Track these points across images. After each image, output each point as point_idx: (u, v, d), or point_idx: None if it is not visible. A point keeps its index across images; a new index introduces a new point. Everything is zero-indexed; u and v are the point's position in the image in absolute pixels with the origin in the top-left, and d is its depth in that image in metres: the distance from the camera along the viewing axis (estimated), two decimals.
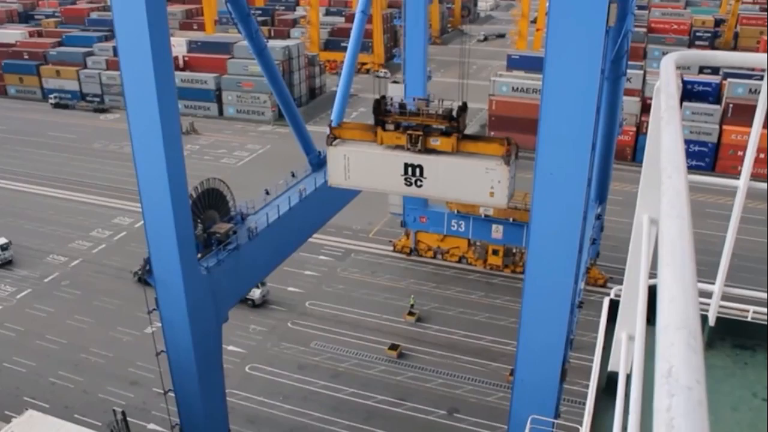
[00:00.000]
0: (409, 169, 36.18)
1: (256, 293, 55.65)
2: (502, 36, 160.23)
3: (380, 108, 35.53)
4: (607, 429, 5.68)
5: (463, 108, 35.36)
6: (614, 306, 7.10)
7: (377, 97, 35.86)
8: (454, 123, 34.42)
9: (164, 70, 27.73)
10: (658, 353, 1.93)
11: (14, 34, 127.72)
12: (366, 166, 37.21)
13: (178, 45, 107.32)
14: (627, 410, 4.27)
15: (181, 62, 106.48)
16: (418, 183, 36.61)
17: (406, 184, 36.79)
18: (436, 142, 35.02)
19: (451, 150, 34.51)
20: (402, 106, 35.65)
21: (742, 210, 5.42)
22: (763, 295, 5.92)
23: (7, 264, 63.05)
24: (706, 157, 78.71)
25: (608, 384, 6.57)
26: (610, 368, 6.57)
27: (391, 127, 35.53)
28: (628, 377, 4.82)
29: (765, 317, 6.61)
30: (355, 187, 40.40)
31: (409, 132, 35.04)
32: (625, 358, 5.31)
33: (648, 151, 4.79)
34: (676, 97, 3.59)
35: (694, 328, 1.95)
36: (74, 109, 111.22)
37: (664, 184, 2.68)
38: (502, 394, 45.39)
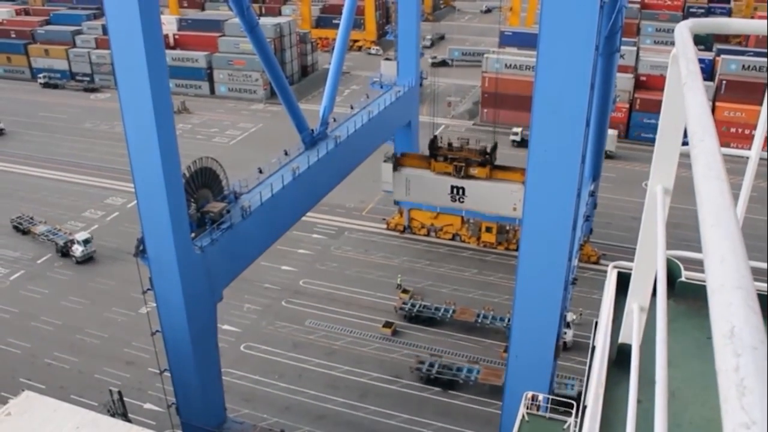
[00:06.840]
0: (454, 190, 51.00)
1: None
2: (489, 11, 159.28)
3: (434, 145, 51.40)
4: (618, 401, 5.72)
5: (494, 147, 50.87)
6: (622, 279, 7.14)
7: (431, 136, 54.75)
8: (487, 156, 49.18)
9: (155, 49, 27.50)
10: (714, 313, 1.93)
11: (0, 12, 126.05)
12: (422, 186, 52.59)
13: (168, 23, 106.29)
14: (642, 380, 4.31)
15: (171, 40, 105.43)
16: (461, 200, 51.80)
17: (451, 201, 52.16)
18: (474, 170, 49.33)
19: (485, 176, 49.28)
20: (450, 144, 52.25)
21: (753, 180, 5.42)
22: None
23: (90, 260, 60.13)
24: None
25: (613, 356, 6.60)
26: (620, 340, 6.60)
27: (441, 159, 50.70)
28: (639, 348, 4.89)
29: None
30: (413, 201, 58.71)
31: (454, 163, 49.93)
32: (638, 329, 5.36)
33: (663, 123, 4.74)
34: (695, 62, 3.53)
35: (750, 289, 1.95)
36: (64, 88, 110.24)
37: (696, 147, 2.69)
38: None
